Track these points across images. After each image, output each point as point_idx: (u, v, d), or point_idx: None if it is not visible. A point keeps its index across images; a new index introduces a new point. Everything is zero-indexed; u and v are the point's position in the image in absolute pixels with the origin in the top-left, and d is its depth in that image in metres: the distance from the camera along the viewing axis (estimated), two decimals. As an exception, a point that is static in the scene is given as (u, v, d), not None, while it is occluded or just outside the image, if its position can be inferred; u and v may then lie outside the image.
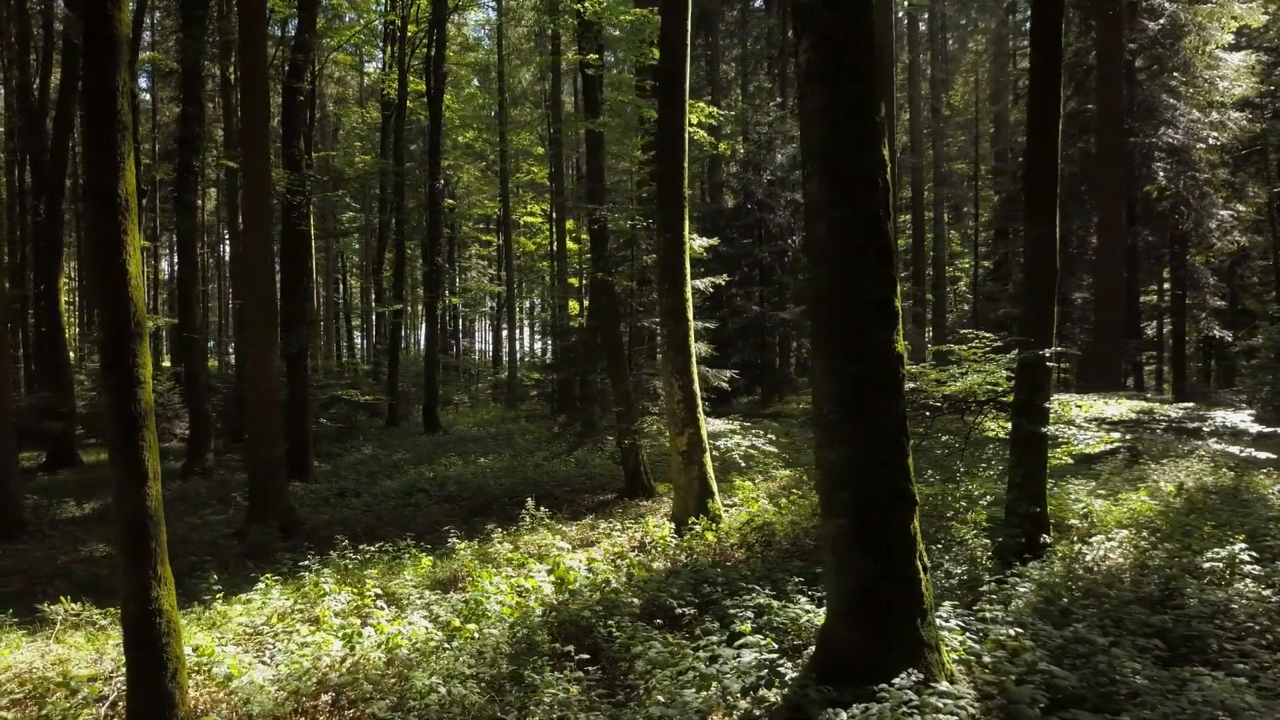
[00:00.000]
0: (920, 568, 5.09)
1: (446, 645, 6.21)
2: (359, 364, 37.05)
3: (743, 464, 13.05)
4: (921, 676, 4.71)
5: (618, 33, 16.18)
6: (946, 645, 5.19)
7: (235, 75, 33.42)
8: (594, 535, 10.79)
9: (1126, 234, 19.39)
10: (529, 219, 46.02)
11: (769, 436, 13.41)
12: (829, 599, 5.25)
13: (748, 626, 5.68)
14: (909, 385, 8.60)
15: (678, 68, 11.16)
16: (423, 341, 48.60)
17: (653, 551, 9.47)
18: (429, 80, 28.55)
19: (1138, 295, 23.17)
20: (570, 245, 31.44)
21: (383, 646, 6.14)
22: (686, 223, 11.07)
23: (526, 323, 54.99)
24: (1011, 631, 5.20)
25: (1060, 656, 5.13)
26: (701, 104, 14.60)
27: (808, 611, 6.34)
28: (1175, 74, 20.61)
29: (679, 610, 6.98)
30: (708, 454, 10.99)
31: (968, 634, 5.39)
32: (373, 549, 9.52)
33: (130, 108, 5.40)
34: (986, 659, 5.14)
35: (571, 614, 6.63)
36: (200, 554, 11.01)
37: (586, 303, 38.72)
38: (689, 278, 11.15)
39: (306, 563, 8.97)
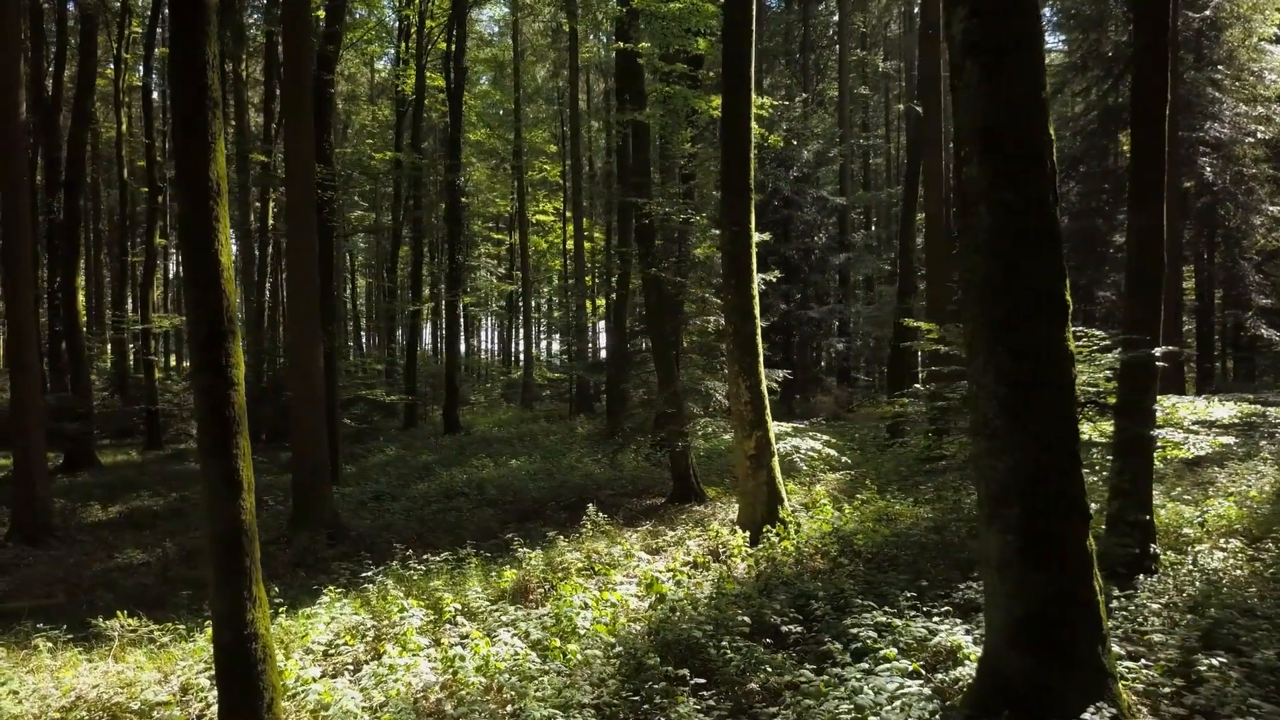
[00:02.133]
0: (1097, 588, 4.64)
1: (545, 668, 5.74)
2: (370, 363, 36.52)
3: (804, 467, 12.57)
4: (1113, 712, 4.24)
5: (645, 25, 15.61)
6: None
7: (247, 72, 33.02)
8: (657, 543, 10.30)
9: (1181, 232, 18.95)
10: (541, 217, 45.54)
11: (825, 438, 12.94)
12: (991, 623, 4.78)
13: (893, 652, 5.20)
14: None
15: (742, 54, 10.70)
16: (428, 341, 48.22)
17: (729, 562, 9.00)
18: (448, 75, 28.08)
19: (1180, 294, 22.72)
20: (584, 244, 30.93)
21: (480, 670, 5.67)
22: (753, 216, 10.59)
23: (534, 321, 54.47)
24: (1214, 662, 4.72)
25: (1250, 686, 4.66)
26: (753, 95, 14.08)
27: (934, 631, 5.88)
28: (1220, 67, 20.15)
29: (784, 628, 6.52)
30: (776, 458, 10.51)
31: (1142, 660, 4.92)
32: (438, 559, 9.01)
33: (220, 84, 4.93)
34: (1166, 689, 4.68)
35: (679, 633, 6.16)
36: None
37: (600, 301, 38.25)
38: (756, 274, 10.67)
39: (367, 573, 8.49)
